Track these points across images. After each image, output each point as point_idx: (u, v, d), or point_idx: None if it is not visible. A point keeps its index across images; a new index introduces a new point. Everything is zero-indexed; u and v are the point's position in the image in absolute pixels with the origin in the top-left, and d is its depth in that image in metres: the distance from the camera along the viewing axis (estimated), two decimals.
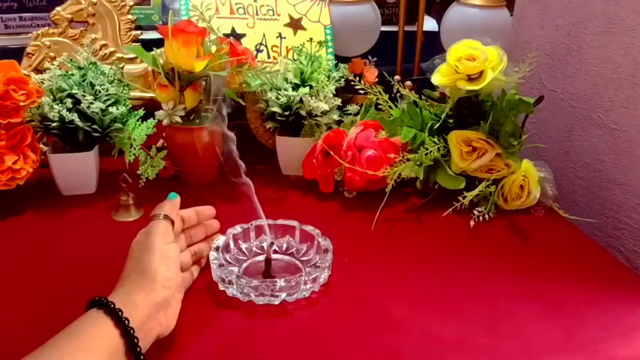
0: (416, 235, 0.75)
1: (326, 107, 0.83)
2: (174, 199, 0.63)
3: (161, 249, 0.55)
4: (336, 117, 0.86)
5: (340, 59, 0.96)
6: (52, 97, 0.77)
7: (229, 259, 0.65)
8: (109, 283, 0.54)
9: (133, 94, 0.88)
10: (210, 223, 0.68)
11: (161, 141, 0.88)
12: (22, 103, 0.72)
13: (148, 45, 0.88)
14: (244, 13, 0.95)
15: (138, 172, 0.79)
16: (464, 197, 0.76)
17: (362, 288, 0.63)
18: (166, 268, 0.54)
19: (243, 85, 0.81)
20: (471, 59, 0.77)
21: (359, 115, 0.89)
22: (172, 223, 0.60)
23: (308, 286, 0.60)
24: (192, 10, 0.85)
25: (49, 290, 0.61)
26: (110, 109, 0.77)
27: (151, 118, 0.80)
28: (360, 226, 0.75)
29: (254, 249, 0.68)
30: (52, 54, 0.90)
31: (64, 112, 0.75)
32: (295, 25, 0.96)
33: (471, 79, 0.77)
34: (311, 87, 0.83)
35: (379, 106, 0.86)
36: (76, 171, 0.79)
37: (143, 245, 0.56)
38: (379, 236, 0.74)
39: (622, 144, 0.78)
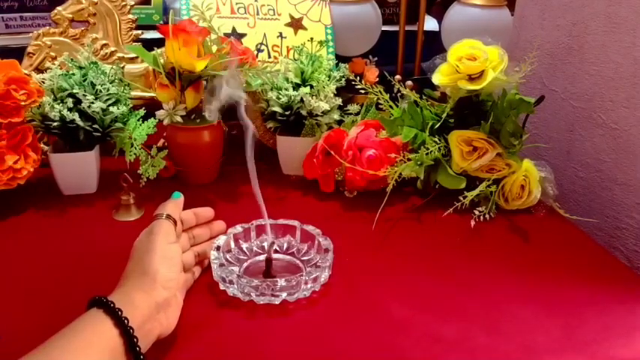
0: (416, 235, 0.75)
1: (327, 107, 0.83)
2: (177, 199, 0.63)
3: (162, 249, 0.55)
4: (336, 117, 0.86)
5: (341, 59, 0.96)
6: (52, 96, 0.77)
7: (230, 259, 0.65)
8: (110, 283, 0.54)
9: (133, 93, 0.88)
10: (216, 223, 0.68)
11: (162, 140, 0.88)
12: (22, 103, 0.72)
13: (149, 45, 0.88)
14: (245, 12, 0.95)
15: (139, 171, 0.79)
16: (464, 197, 0.76)
17: (362, 288, 0.63)
18: (167, 269, 0.54)
19: (244, 85, 0.81)
20: (471, 59, 0.77)
21: (359, 115, 0.89)
22: (175, 222, 0.60)
23: (308, 285, 0.60)
24: (193, 10, 0.85)
25: (50, 289, 0.61)
26: (111, 108, 0.77)
27: (152, 118, 0.80)
28: (360, 226, 0.75)
29: (255, 249, 0.68)
30: (52, 53, 0.90)
31: (65, 112, 0.75)
32: (296, 24, 0.96)
33: (471, 78, 0.77)
34: (312, 87, 0.83)
35: (380, 106, 0.86)
36: (77, 170, 0.79)
37: (145, 245, 0.56)
38: (380, 236, 0.74)
39: (623, 144, 0.78)
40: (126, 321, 0.47)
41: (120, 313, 0.47)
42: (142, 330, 0.48)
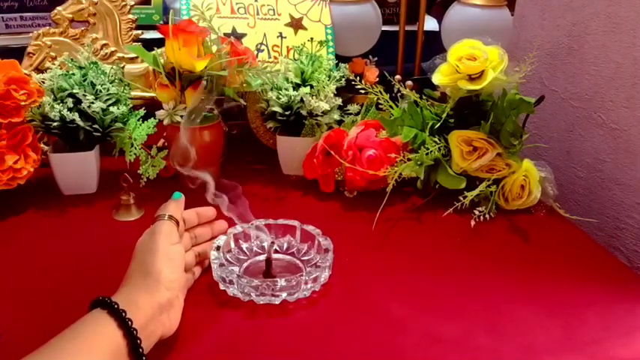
0: (416, 235, 0.75)
1: (327, 107, 0.83)
2: (178, 199, 0.63)
3: (165, 250, 0.55)
4: (336, 117, 0.86)
5: (341, 59, 0.96)
6: (52, 96, 0.77)
7: (230, 259, 0.65)
8: (110, 283, 0.54)
9: (133, 93, 0.88)
10: (217, 223, 0.68)
11: (162, 140, 0.88)
12: (23, 103, 0.72)
13: (149, 45, 0.88)
14: (245, 12, 0.95)
15: (138, 171, 0.79)
16: (464, 197, 0.76)
17: (362, 288, 0.63)
18: (170, 270, 0.54)
19: (244, 85, 0.81)
20: (471, 59, 0.77)
21: (360, 115, 0.89)
22: (177, 223, 0.60)
23: (308, 285, 0.60)
24: (193, 10, 0.85)
25: (50, 289, 0.61)
26: (111, 108, 0.77)
27: (152, 118, 0.80)
28: (360, 226, 0.75)
29: (255, 249, 0.68)
30: (52, 53, 0.90)
31: (65, 112, 0.75)
32: (296, 24, 0.96)
33: (471, 78, 0.77)
34: (312, 87, 0.83)
35: (380, 106, 0.86)
36: (77, 170, 0.79)
37: (147, 246, 0.56)
38: (380, 236, 0.74)
39: (623, 144, 0.78)
40: (130, 322, 0.47)
41: (124, 314, 0.47)
42: (145, 331, 0.48)
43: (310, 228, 0.67)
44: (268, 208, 0.78)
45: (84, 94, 0.76)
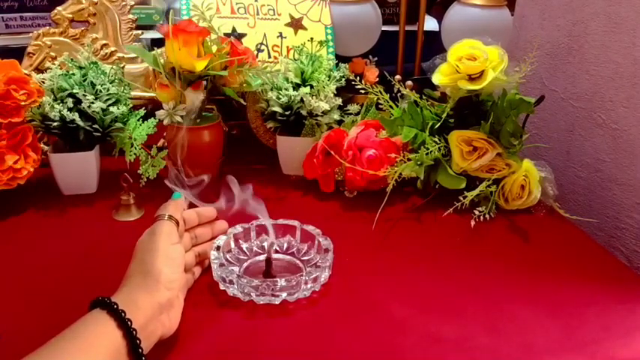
0: (416, 235, 0.75)
1: (327, 107, 0.83)
2: (178, 199, 0.63)
3: (165, 250, 0.55)
4: (336, 117, 0.86)
5: (341, 59, 0.96)
6: (52, 96, 0.77)
7: (230, 259, 0.65)
8: (110, 283, 0.54)
9: (133, 93, 0.88)
10: (217, 223, 0.68)
11: (162, 140, 0.88)
12: (22, 103, 0.72)
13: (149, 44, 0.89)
14: (245, 12, 0.95)
15: (139, 171, 0.79)
16: (464, 197, 0.76)
17: (362, 288, 0.63)
18: (170, 270, 0.54)
19: (244, 85, 0.81)
20: (471, 59, 0.77)
21: (360, 115, 0.89)
22: (177, 223, 0.60)
23: (309, 285, 0.60)
24: (193, 10, 0.85)
25: (50, 289, 0.61)
26: (111, 108, 0.77)
27: (152, 118, 0.80)
28: (360, 226, 0.75)
29: (255, 249, 0.68)
30: (52, 53, 0.90)
31: (65, 112, 0.75)
32: (296, 24, 0.96)
33: (471, 78, 0.77)
34: (312, 87, 0.83)
35: (380, 106, 0.86)
36: (77, 170, 0.79)
37: (147, 246, 0.56)
38: (380, 236, 0.74)
39: (623, 144, 0.78)
40: (129, 322, 0.47)
41: (123, 314, 0.47)
42: (145, 331, 0.48)
43: (310, 228, 0.67)
44: (268, 208, 0.78)
45: (84, 94, 0.76)
